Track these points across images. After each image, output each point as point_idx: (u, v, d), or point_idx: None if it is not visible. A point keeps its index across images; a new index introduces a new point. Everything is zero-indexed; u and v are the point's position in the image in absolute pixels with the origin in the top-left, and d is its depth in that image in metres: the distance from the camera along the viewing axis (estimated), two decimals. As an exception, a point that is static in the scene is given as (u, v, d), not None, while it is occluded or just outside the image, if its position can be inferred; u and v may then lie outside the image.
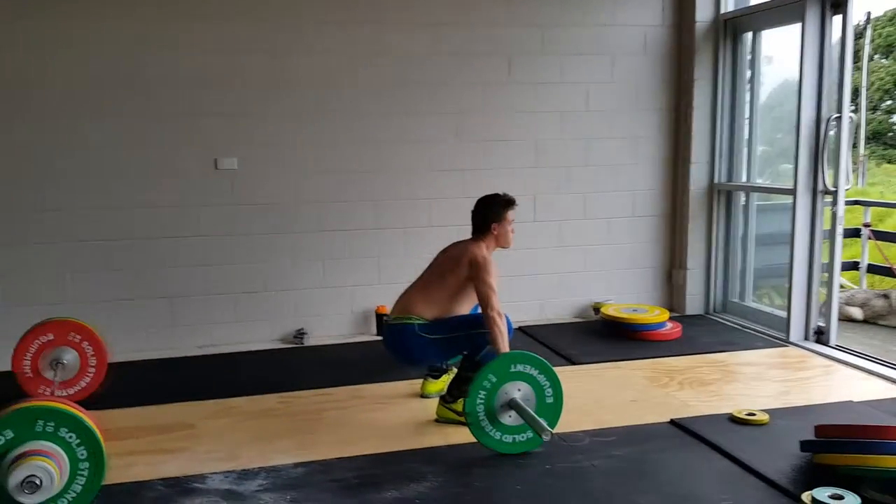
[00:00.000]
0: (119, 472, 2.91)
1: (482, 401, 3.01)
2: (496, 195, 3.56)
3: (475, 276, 3.36)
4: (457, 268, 3.43)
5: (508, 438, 3.05)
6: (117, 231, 4.48)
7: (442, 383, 3.71)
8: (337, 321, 4.89)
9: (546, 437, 2.90)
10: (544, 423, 2.93)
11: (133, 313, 4.56)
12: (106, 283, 4.50)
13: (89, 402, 3.35)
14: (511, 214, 3.53)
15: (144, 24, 4.37)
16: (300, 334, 4.73)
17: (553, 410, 3.09)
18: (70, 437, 2.52)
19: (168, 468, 2.99)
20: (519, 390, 3.05)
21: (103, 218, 4.46)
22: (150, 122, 4.45)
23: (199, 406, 3.66)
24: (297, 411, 3.59)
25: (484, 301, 3.30)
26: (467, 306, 3.51)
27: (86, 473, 2.54)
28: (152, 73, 4.41)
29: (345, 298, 4.88)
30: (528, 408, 3.01)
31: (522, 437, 3.06)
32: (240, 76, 4.53)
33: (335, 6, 4.61)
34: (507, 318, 3.33)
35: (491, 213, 3.51)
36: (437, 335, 3.40)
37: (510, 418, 3.04)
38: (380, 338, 4.76)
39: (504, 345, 3.20)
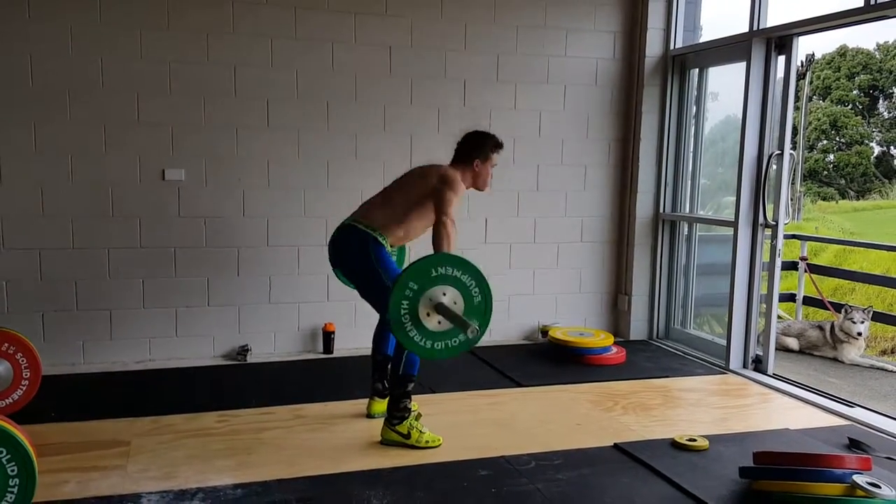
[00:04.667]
0: (49, 489, 2.80)
1: (406, 309, 2.89)
2: (487, 133, 3.47)
3: (440, 188, 3.22)
4: (424, 179, 3.31)
5: (434, 345, 2.93)
6: (55, 240, 4.35)
7: (388, 403, 3.67)
8: (282, 338, 4.81)
9: (471, 335, 2.82)
10: (467, 320, 2.83)
11: (69, 325, 4.41)
12: (42, 293, 4.35)
13: (21, 416, 3.23)
14: (496, 157, 3.46)
15: (93, 28, 4.28)
16: (243, 351, 4.65)
17: (482, 310, 2.97)
18: (0, 452, 2.41)
19: (100, 486, 2.88)
20: (444, 294, 2.92)
21: (40, 226, 4.32)
22: (94, 129, 4.34)
23: (135, 423, 3.55)
24: (236, 430, 3.50)
25: (439, 206, 3.17)
26: (424, 224, 3.38)
27: (15, 491, 2.43)
28: (99, 78, 4.32)
29: (291, 315, 4.81)
30: (454, 309, 2.89)
31: (454, 341, 2.94)
32: (190, 86, 4.47)
33: (287, 22, 4.60)
34: None
35: (478, 147, 3.41)
36: (380, 269, 3.25)
37: (439, 324, 2.91)
38: (326, 356, 4.75)
39: (447, 247, 3.09)
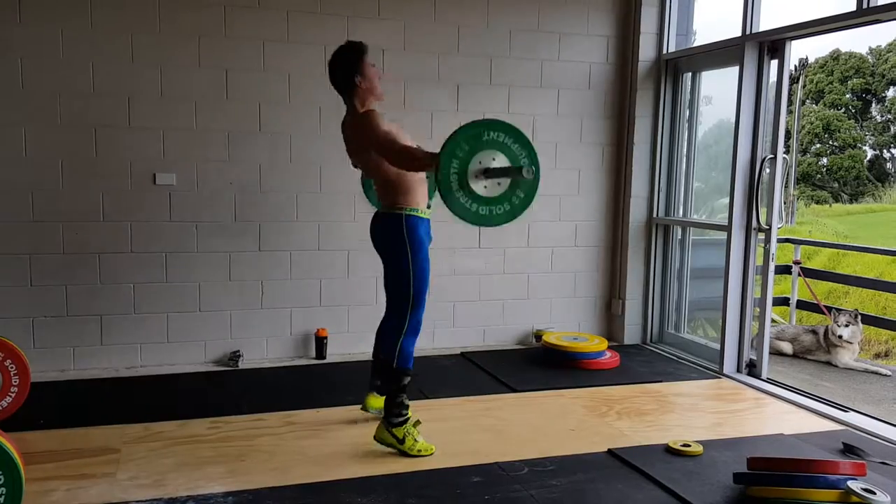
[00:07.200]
0: (37, 498, 2.77)
1: (455, 169, 2.81)
2: (342, 48, 3.27)
3: (369, 139, 3.12)
4: (356, 142, 3.23)
5: (484, 210, 2.87)
6: (45, 245, 4.31)
7: (386, 400, 3.64)
8: (274, 344, 4.78)
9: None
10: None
11: (59, 331, 4.37)
12: (31, 299, 4.31)
13: (10, 423, 3.20)
14: (369, 60, 3.27)
15: (84, 32, 4.25)
16: (235, 357, 4.61)
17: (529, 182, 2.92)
18: (-15, 461, 2.38)
19: (89, 495, 2.85)
20: (494, 159, 2.86)
21: (30, 231, 4.28)
22: (85, 133, 4.31)
23: (125, 430, 3.51)
24: (228, 437, 3.47)
25: (384, 148, 3.07)
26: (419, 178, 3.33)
27: (1, 500, 2.40)
28: (90, 82, 4.29)
29: (283, 320, 4.78)
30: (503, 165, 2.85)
31: (500, 208, 2.89)
32: (181, 90, 4.45)
33: (280, 26, 4.58)
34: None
35: (347, 68, 3.23)
36: (414, 263, 3.22)
37: (485, 189, 2.87)
38: (318, 361, 4.72)
39: (412, 161, 3.01)
